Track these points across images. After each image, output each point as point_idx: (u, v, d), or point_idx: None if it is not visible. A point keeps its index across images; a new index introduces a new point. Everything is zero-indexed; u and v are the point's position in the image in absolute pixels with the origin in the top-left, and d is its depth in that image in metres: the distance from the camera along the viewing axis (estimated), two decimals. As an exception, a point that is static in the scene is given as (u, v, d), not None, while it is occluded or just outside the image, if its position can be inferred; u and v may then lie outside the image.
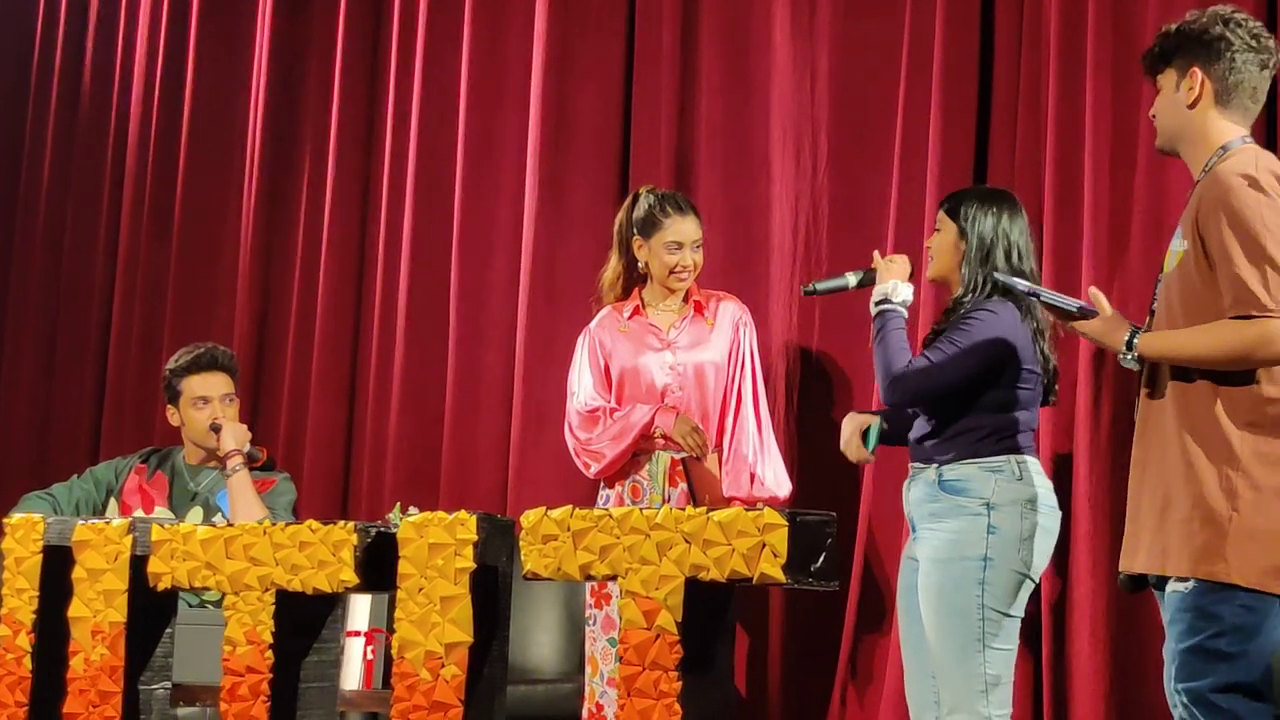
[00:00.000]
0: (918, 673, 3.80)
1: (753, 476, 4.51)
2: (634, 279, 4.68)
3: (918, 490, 3.79)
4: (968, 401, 3.73)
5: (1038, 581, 3.77)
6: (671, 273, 4.58)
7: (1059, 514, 3.79)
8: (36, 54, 7.26)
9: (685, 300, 4.66)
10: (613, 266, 4.69)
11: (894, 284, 3.89)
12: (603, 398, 4.56)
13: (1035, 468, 3.74)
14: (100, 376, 6.70)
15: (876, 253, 4.05)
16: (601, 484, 4.57)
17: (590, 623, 4.46)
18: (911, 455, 3.87)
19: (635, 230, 4.61)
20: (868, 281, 4.00)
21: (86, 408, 6.71)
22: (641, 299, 4.65)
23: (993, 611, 3.64)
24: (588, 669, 4.45)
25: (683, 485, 4.49)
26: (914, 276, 4.00)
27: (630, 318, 4.62)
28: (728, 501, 4.42)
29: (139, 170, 6.72)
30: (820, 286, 4.18)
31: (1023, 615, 3.74)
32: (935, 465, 3.75)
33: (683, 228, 4.59)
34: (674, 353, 4.57)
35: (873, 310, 3.90)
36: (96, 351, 6.74)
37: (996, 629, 3.64)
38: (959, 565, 3.65)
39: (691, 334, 4.60)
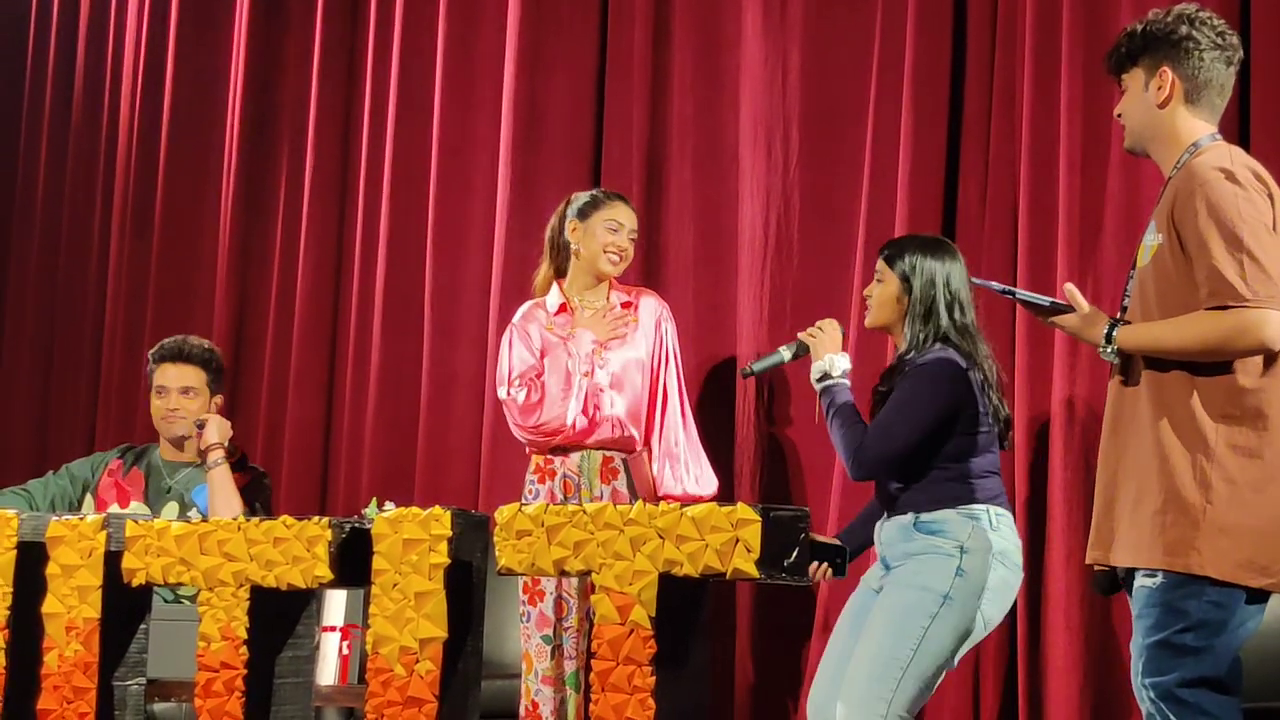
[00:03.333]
0: (832, 686, 3.73)
1: (686, 473, 4.52)
2: (557, 274, 4.66)
3: (891, 530, 3.77)
4: (932, 454, 3.72)
5: (987, 633, 3.75)
6: (605, 251, 4.55)
7: (1021, 574, 3.78)
8: (30, 59, 7.30)
9: (608, 296, 4.63)
10: (543, 272, 4.68)
11: (829, 359, 3.89)
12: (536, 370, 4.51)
13: (1007, 522, 3.73)
14: (95, 373, 6.74)
15: (802, 333, 4.02)
16: (531, 479, 4.54)
17: (524, 620, 4.44)
18: (882, 502, 3.85)
19: (573, 215, 4.59)
20: (802, 352, 4.00)
21: (83, 404, 6.76)
22: (565, 295, 4.61)
23: (929, 646, 3.60)
24: (522, 667, 4.45)
25: (615, 482, 4.48)
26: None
27: (556, 314, 4.59)
28: (659, 499, 4.43)
29: (125, 170, 6.74)
30: (757, 367, 4.18)
31: (953, 666, 3.71)
32: (911, 512, 3.73)
33: (624, 213, 4.60)
34: (604, 350, 4.54)
35: (816, 388, 3.90)
36: (91, 348, 6.79)
37: (925, 662, 3.60)
38: (918, 593, 3.64)
39: (620, 334, 4.59)
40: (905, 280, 3.83)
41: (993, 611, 3.70)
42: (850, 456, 3.76)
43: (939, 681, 3.69)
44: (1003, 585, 3.70)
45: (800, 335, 4.01)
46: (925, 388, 3.71)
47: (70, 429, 6.76)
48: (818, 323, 4.00)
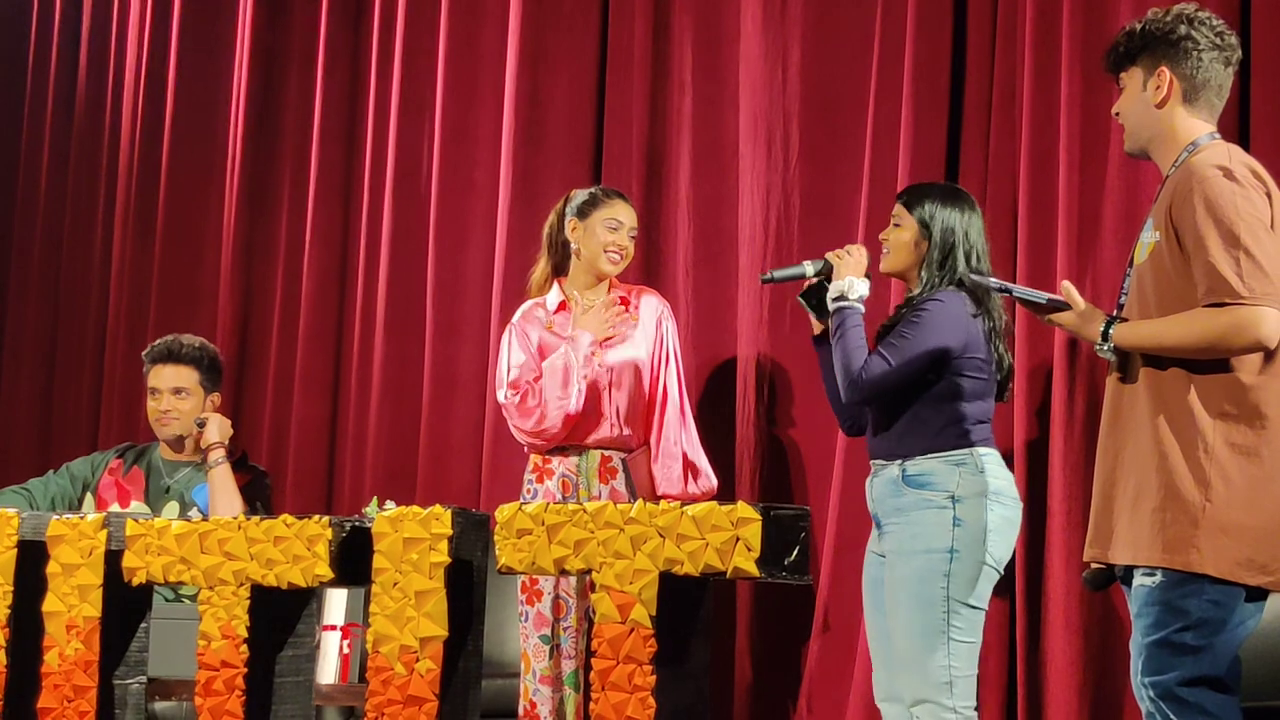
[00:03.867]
0: (889, 665, 3.82)
1: (685, 473, 4.51)
2: (556, 272, 4.65)
3: (881, 486, 3.81)
4: (922, 393, 3.75)
5: (1002, 572, 3.79)
6: (605, 251, 4.54)
7: (1020, 505, 3.81)
8: (31, 59, 7.30)
9: (608, 294, 4.62)
10: (541, 268, 4.67)
11: (850, 281, 3.88)
12: (534, 372, 4.51)
13: (994, 460, 3.76)
14: (98, 372, 6.75)
15: (830, 253, 4.03)
16: (529, 479, 4.54)
17: (522, 619, 4.44)
18: (871, 452, 3.88)
19: (572, 214, 4.58)
20: (824, 272, 4.00)
21: (85, 403, 6.76)
22: (565, 293, 4.61)
23: (957, 603, 3.66)
24: (520, 667, 4.45)
25: (613, 482, 4.47)
26: (870, 268, 4.00)
27: (556, 312, 4.58)
28: (658, 498, 4.41)
29: (127, 169, 6.74)
30: (778, 275, 4.15)
31: (986, 608, 3.76)
32: (898, 461, 3.76)
33: (624, 211, 4.59)
34: (604, 349, 4.54)
35: (830, 307, 3.90)
36: (94, 348, 6.79)
37: (961, 621, 3.66)
38: (924, 558, 3.67)
39: (619, 331, 4.59)
40: (924, 226, 3.85)
41: (1000, 551, 3.73)
42: (849, 378, 3.76)
43: (982, 625, 3.74)
44: (1004, 523, 3.73)
45: (828, 255, 3.99)
46: (932, 320, 3.73)
47: (73, 428, 6.76)
48: (847, 246, 4.01)
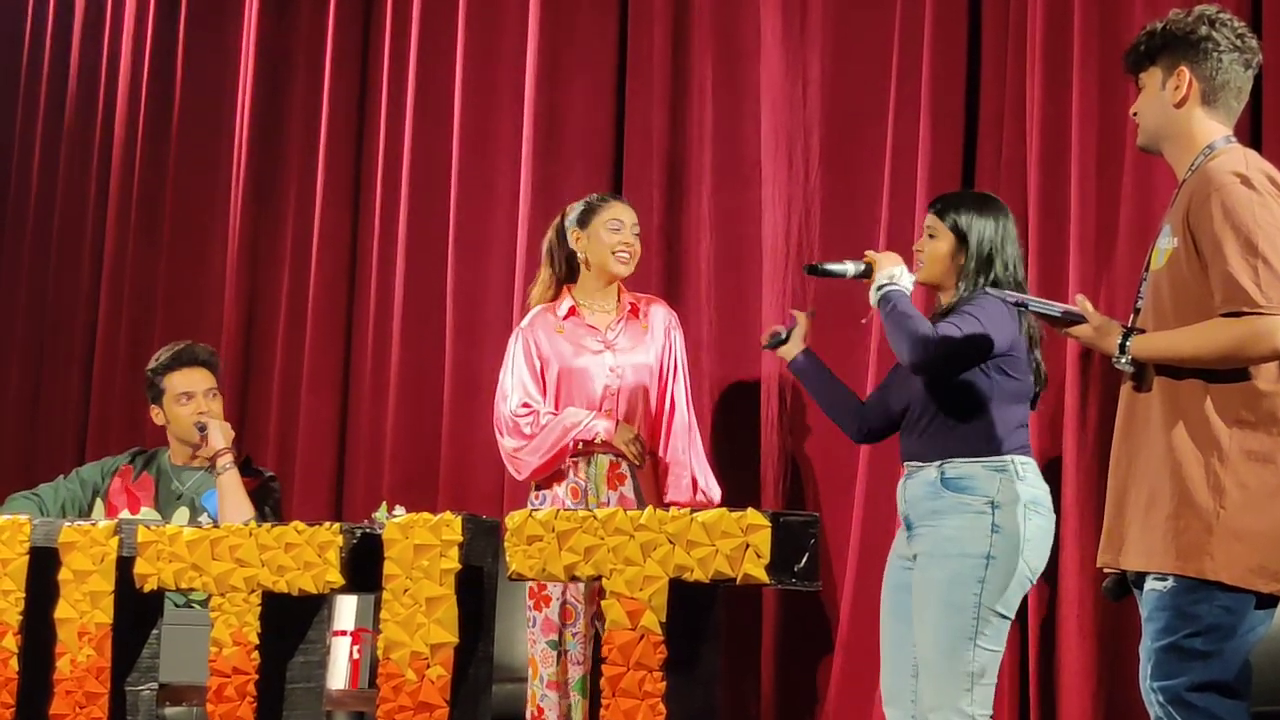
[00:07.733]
0: (896, 669, 3.80)
1: (693, 481, 4.51)
2: (563, 282, 4.64)
3: (916, 488, 3.77)
4: (963, 393, 3.72)
5: (1035, 582, 3.78)
6: (614, 253, 4.53)
7: (1054, 516, 3.80)
8: (25, 56, 7.27)
9: (618, 301, 4.61)
10: (541, 282, 4.65)
11: (900, 270, 3.85)
12: (536, 400, 4.51)
13: (1033, 469, 3.75)
14: (87, 378, 6.71)
15: (870, 252, 4.02)
16: (534, 485, 4.54)
17: (530, 625, 4.44)
18: (905, 454, 3.85)
19: (573, 225, 4.57)
20: (865, 274, 3.97)
21: (73, 410, 6.71)
22: (575, 299, 4.60)
23: (988, 610, 3.64)
24: (529, 672, 4.46)
25: (622, 489, 4.46)
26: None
27: (566, 318, 4.57)
28: (665, 506, 4.41)
29: (126, 171, 6.73)
30: (822, 268, 4.12)
31: (1013, 617, 3.75)
32: (936, 463, 3.74)
33: (623, 210, 4.58)
34: (615, 354, 4.54)
35: (876, 295, 3.84)
36: (83, 353, 6.74)
37: (989, 629, 3.65)
38: (959, 561, 3.65)
39: (629, 336, 4.56)
40: (960, 237, 3.83)
41: (1036, 561, 3.72)
42: (920, 339, 3.67)
43: (1006, 634, 3.72)
44: (1040, 534, 3.71)
45: (867, 254, 3.98)
46: (986, 310, 3.71)
47: (59, 436, 6.71)
48: (884, 251, 4.01)
